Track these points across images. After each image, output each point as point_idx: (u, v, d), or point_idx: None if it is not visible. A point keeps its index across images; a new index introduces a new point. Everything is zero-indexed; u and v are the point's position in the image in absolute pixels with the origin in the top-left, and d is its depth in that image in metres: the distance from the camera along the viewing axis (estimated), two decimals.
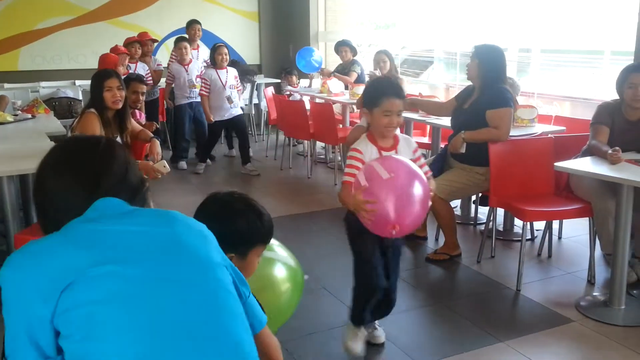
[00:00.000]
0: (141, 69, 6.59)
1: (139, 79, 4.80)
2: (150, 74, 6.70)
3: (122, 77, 3.93)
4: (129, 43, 6.59)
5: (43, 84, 7.47)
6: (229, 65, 6.47)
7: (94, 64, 5.90)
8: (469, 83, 4.11)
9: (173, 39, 7.38)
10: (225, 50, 6.40)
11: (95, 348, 0.98)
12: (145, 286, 1.04)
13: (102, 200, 1.13)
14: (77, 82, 7.73)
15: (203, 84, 6.37)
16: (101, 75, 3.69)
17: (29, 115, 5.27)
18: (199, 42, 7.12)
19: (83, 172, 1.17)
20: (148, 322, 1.01)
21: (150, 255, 1.08)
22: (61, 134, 4.88)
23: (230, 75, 6.41)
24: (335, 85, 6.68)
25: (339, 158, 6.31)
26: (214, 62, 6.40)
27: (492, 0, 6.71)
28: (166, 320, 1.03)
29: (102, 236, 1.07)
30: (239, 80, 6.63)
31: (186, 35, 6.94)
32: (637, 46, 4.09)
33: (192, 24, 7.04)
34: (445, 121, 4.42)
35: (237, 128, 6.52)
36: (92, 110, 3.63)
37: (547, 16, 5.94)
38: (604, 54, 5.46)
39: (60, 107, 6.71)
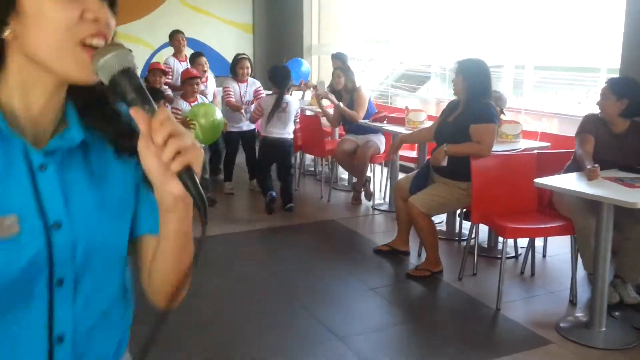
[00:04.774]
0: None
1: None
2: None
3: None
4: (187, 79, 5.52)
5: None
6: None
7: None
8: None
9: (167, 49, 7.36)
10: (247, 64, 5.96)
11: None
12: None
13: None
14: None
15: (226, 93, 5.95)
16: None
17: None
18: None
19: None
20: None
21: None
22: None
23: (249, 90, 5.99)
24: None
25: (327, 170, 6.24)
26: (235, 74, 5.97)
27: (489, 16, 6.68)
28: None
29: None
30: (261, 93, 6.05)
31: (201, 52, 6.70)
32: (622, 63, 4.05)
33: (175, 34, 6.96)
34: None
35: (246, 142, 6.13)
36: None
37: (544, 33, 5.90)
38: (600, 71, 5.40)
39: None
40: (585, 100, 5.81)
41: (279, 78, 5.44)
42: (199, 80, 5.51)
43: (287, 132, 5.44)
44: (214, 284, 3.69)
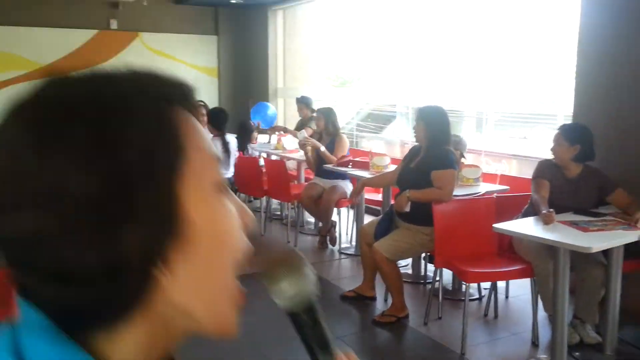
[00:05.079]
0: None
1: None
2: None
3: None
4: None
5: None
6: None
7: None
8: None
9: None
10: (203, 111, 5.76)
11: None
12: None
13: None
14: None
15: None
16: None
17: None
18: None
19: None
20: None
21: None
22: None
23: None
24: (290, 141, 6.71)
25: (293, 215, 6.26)
26: None
27: (452, 60, 6.91)
28: None
29: None
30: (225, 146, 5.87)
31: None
32: (574, 110, 4.21)
33: None
34: None
35: None
36: None
37: (505, 78, 6.12)
38: (557, 116, 5.60)
39: None
40: (530, 135, 5.99)
41: (219, 120, 5.64)
42: None
43: (229, 172, 5.69)
44: None
